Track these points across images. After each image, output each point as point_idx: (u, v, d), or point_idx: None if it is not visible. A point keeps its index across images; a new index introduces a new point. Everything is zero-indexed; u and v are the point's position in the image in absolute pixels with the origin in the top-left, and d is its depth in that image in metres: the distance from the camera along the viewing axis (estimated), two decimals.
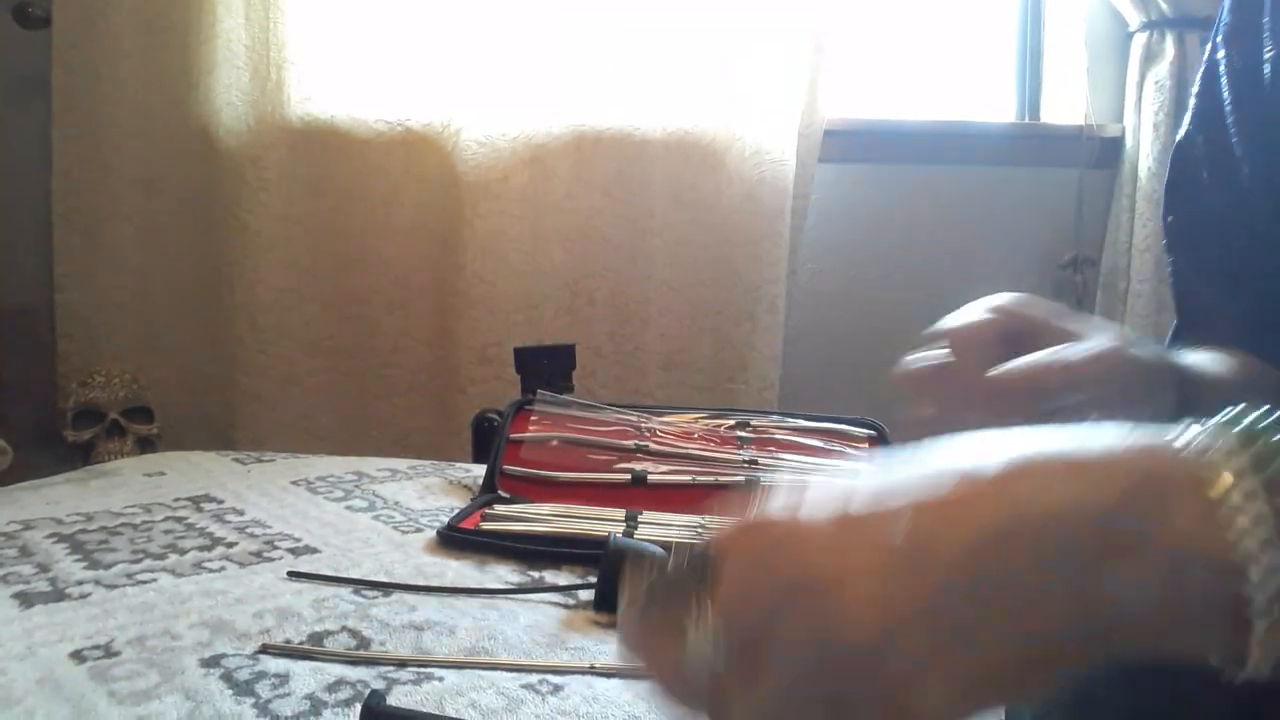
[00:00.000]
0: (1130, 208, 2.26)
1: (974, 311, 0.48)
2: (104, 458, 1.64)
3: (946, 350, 0.48)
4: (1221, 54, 0.64)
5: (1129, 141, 2.27)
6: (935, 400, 0.48)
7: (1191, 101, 0.69)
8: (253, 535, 0.81)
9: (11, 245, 1.87)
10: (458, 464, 1.12)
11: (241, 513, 0.87)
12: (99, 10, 1.79)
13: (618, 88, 1.92)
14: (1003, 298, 0.49)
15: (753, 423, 1.01)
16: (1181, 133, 0.70)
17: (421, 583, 0.71)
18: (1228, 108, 0.64)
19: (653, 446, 0.97)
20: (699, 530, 0.28)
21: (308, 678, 0.55)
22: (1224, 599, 0.25)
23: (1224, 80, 0.64)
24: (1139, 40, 2.25)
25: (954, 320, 0.48)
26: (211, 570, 0.72)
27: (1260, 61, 0.59)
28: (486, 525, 0.81)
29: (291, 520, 0.86)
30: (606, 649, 0.61)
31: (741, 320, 1.99)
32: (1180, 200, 0.70)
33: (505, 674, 0.56)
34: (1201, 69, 0.68)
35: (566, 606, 0.68)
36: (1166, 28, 2.21)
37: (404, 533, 0.83)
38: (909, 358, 0.49)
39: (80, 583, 0.68)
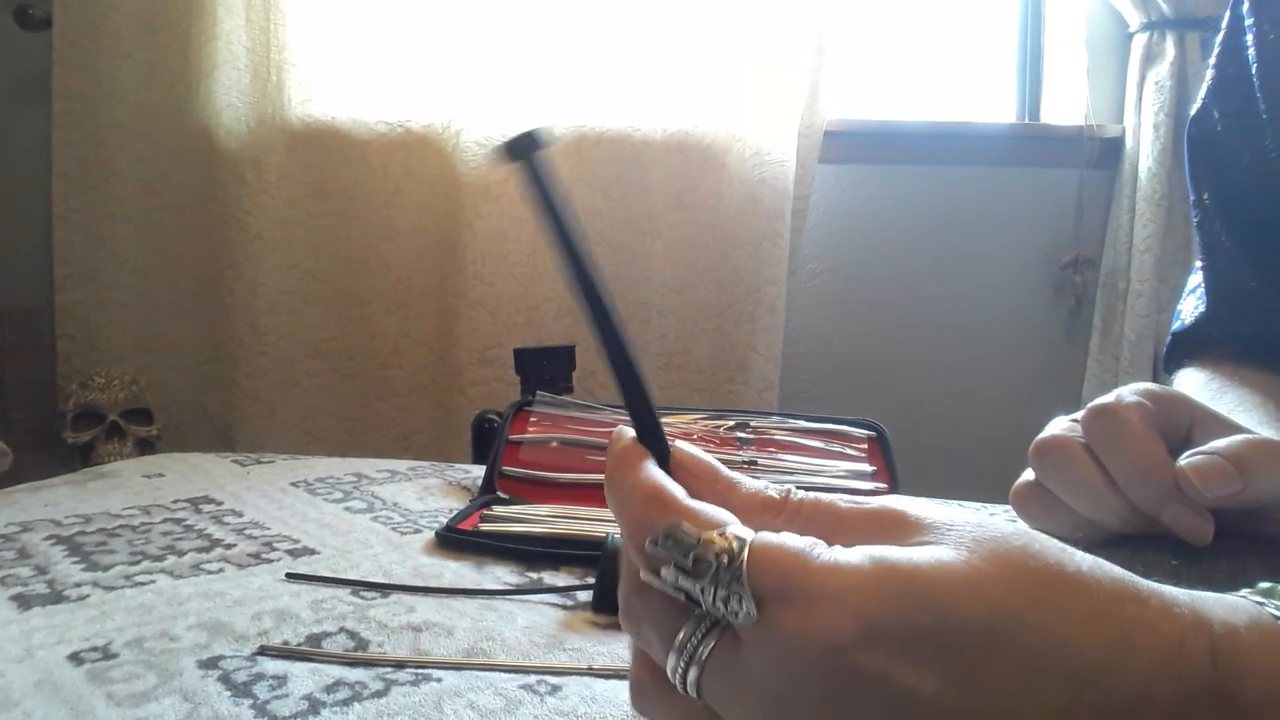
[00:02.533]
0: (1130, 208, 2.26)
1: (1123, 394, 0.42)
2: (103, 459, 1.65)
3: (1082, 427, 0.42)
4: (1249, 22, 0.63)
5: (1129, 142, 2.27)
6: (1073, 479, 0.41)
7: (1208, 74, 0.67)
8: (251, 537, 0.81)
9: (12, 246, 1.87)
10: (457, 465, 1.12)
11: (240, 514, 0.87)
12: (99, 12, 1.79)
13: (618, 89, 1.92)
14: (1149, 385, 0.43)
15: (752, 423, 1.00)
16: (1196, 106, 0.68)
17: (420, 584, 0.70)
18: (1255, 78, 0.62)
19: None
20: (730, 546, 0.25)
21: (306, 679, 0.54)
22: None
23: (1251, 50, 0.62)
24: (1139, 41, 2.25)
25: (1103, 400, 0.42)
26: (210, 572, 0.72)
27: None
28: (485, 526, 0.81)
29: (290, 521, 0.85)
30: (605, 650, 0.61)
31: (741, 321, 1.99)
32: (1208, 177, 0.68)
33: (503, 675, 0.56)
34: (1220, 40, 0.66)
35: (565, 607, 0.68)
36: (1167, 28, 2.21)
37: (403, 534, 0.83)
38: (1049, 429, 0.43)
39: (78, 584, 0.68)
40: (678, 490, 0.30)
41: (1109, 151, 2.30)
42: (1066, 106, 2.34)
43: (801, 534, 0.28)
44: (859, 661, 0.25)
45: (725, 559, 0.27)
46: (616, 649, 0.60)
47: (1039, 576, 0.26)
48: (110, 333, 1.86)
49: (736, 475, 0.32)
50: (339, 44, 1.86)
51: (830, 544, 0.28)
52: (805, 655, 0.26)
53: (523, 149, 0.31)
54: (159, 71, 1.83)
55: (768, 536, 0.28)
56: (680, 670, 0.28)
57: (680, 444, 0.33)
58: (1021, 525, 0.29)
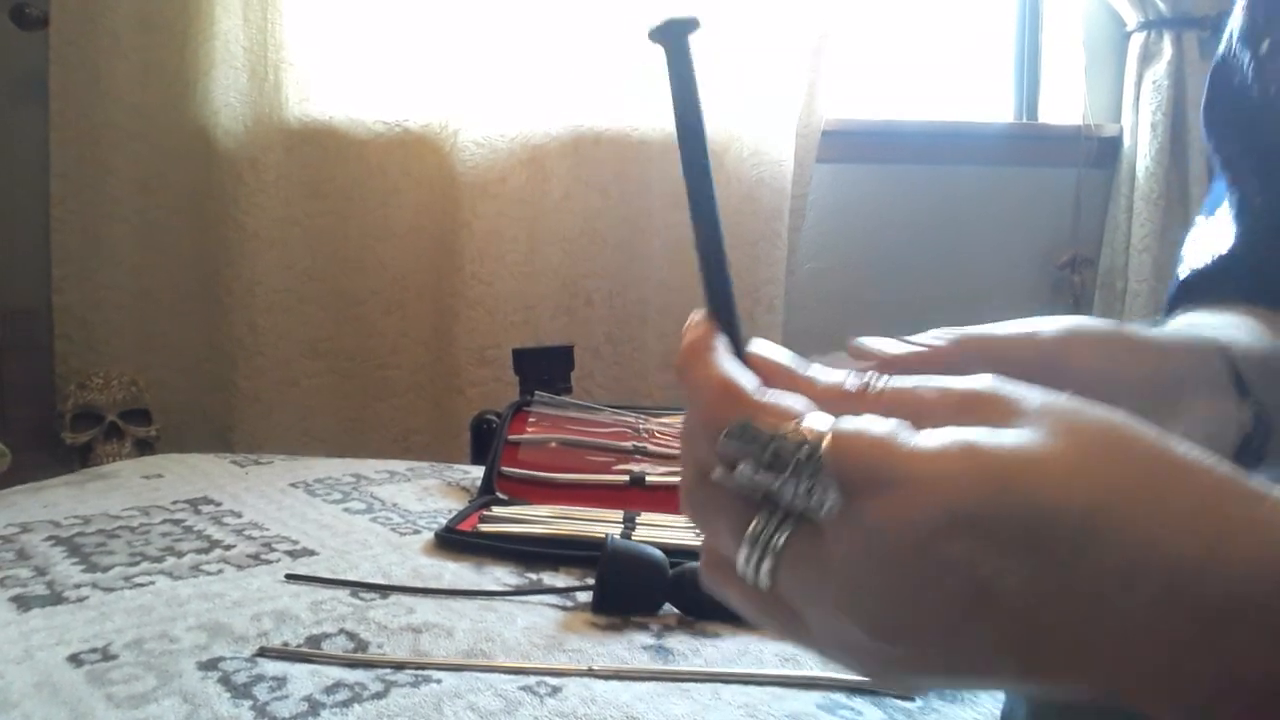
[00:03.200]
0: (1128, 207, 2.27)
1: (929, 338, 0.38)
2: (102, 460, 1.64)
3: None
4: None
5: (1127, 141, 2.27)
6: None
7: (1239, 12, 0.64)
8: (250, 538, 0.81)
9: (9, 247, 1.87)
10: (456, 466, 1.12)
11: (239, 515, 0.87)
12: (97, 11, 1.78)
13: (615, 88, 1.92)
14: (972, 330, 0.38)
15: None
16: (1222, 48, 0.65)
17: (419, 585, 0.71)
18: None
19: (651, 448, 0.97)
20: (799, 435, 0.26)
21: (305, 680, 0.54)
22: None
23: None
24: (1136, 40, 2.25)
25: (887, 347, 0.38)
26: (209, 573, 0.72)
27: None
28: (484, 527, 0.81)
29: (289, 522, 0.86)
30: (605, 651, 0.61)
31: (742, 321, 1.98)
32: (1223, 108, 0.62)
33: (503, 676, 0.56)
34: None
35: (564, 608, 0.68)
36: (1164, 27, 2.22)
37: (402, 535, 0.83)
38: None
39: (78, 586, 0.68)
40: (750, 382, 0.29)
41: (1107, 151, 2.30)
42: (1064, 106, 2.34)
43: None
44: (946, 550, 0.24)
45: (805, 451, 0.26)
46: (616, 650, 0.60)
47: (1140, 467, 0.25)
48: (108, 333, 1.85)
49: (814, 369, 0.31)
50: (336, 43, 1.85)
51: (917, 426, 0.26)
52: (890, 544, 0.25)
53: (672, 32, 0.32)
54: (156, 71, 1.82)
55: (848, 423, 0.26)
56: (754, 562, 0.27)
57: (755, 343, 0.31)
58: (1117, 412, 0.26)
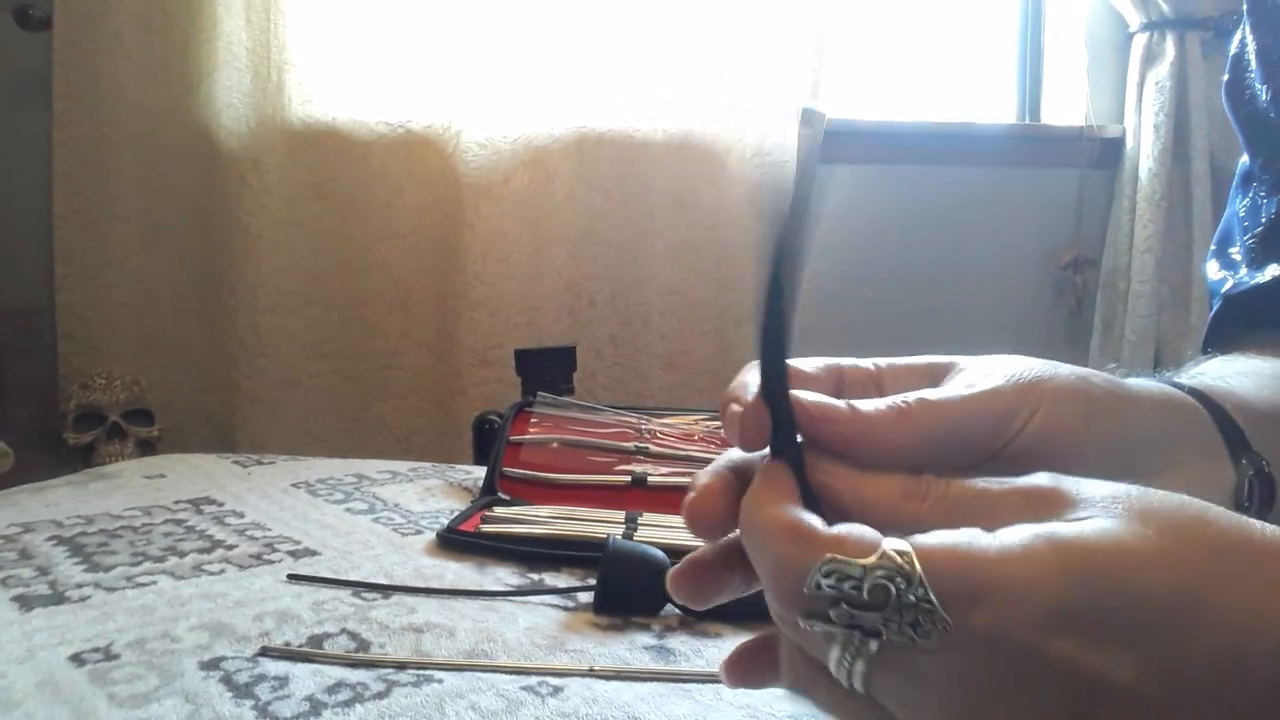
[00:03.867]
0: (1131, 209, 2.26)
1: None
2: (104, 460, 1.64)
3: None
4: None
5: (1129, 142, 2.27)
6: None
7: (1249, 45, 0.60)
8: (252, 538, 0.81)
9: (12, 246, 1.87)
10: (458, 466, 1.12)
11: (241, 515, 0.87)
12: (100, 12, 1.79)
13: (618, 89, 1.92)
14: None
15: None
16: (1236, 45, 0.62)
17: (421, 585, 0.70)
18: None
19: (653, 448, 0.97)
20: (895, 565, 0.25)
21: (307, 680, 0.54)
22: None
23: None
24: (1139, 41, 2.25)
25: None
26: (211, 573, 0.72)
27: None
28: (486, 527, 0.81)
29: (291, 523, 0.86)
30: (606, 651, 0.61)
31: (742, 322, 1.99)
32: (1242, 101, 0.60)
33: (505, 676, 0.56)
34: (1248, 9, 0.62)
35: (566, 609, 0.68)
36: (1167, 28, 2.21)
37: (404, 535, 0.83)
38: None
39: (80, 585, 0.68)
40: (816, 520, 0.28)
41: (1109, 152, 2.30)
42: (1067, 107, 2.34)
43: (949, 520, 0.27)
44: (1048, 650, 0.24)
45: (901, 581, 0.25)
46: (618, 650, 0.60)
47: (1220, 547, 0.25)
48: (110, 333, 1.86)
49: (867, 471, 0.30)
50: (339, 44, 1.86)
51: (984, 528, 0.26)
52: (993, 652, 0.24)
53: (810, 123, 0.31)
54: (159, 72, 1.83)
55: (924, 540, 0.26)
56: (847, 664, 0.27)
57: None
58: (1183, 495, 0.26)
